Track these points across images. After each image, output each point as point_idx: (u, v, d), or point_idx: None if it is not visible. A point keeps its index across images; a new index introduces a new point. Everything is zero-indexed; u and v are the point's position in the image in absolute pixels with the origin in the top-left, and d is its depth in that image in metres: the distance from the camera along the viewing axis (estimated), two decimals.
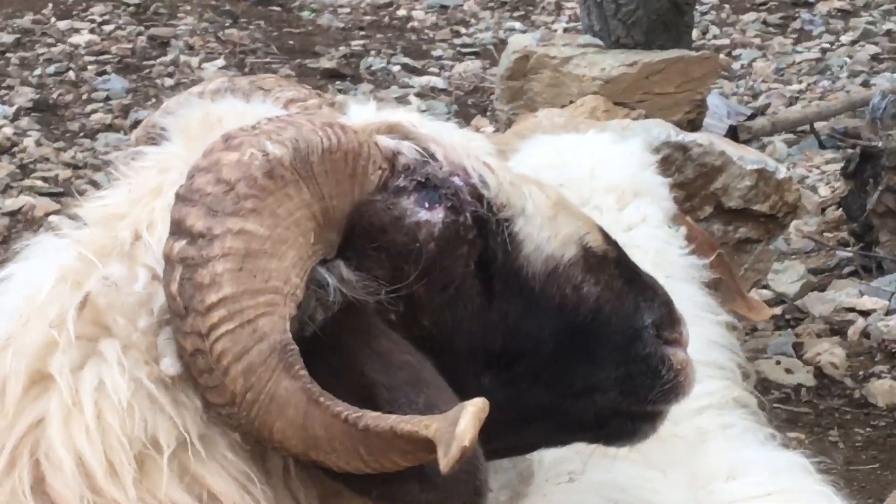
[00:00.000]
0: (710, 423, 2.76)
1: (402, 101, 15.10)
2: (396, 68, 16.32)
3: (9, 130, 15.14)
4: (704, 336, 2.89)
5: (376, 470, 2.11)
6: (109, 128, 15.41)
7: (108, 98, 16.35)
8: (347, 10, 18.49)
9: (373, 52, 16.70)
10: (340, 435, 2.05)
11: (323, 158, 2.15)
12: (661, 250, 2.91)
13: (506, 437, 2.36)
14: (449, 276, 2.29)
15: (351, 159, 2.19)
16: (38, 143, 14.72)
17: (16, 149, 14.72)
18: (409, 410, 2.12)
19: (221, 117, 2.31)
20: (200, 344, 2.03)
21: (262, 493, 2.15)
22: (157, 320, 2.15)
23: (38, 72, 17.07)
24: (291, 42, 17.43)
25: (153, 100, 15.75)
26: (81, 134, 15.32)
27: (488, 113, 12.40)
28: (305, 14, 18.31)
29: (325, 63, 16.42)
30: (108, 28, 18.21)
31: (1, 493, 2.08)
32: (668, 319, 2.45)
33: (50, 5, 18.92)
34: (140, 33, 17.98)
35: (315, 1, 18.66)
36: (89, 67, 16.93)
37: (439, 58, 16.81)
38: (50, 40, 17.77)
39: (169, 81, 16.26)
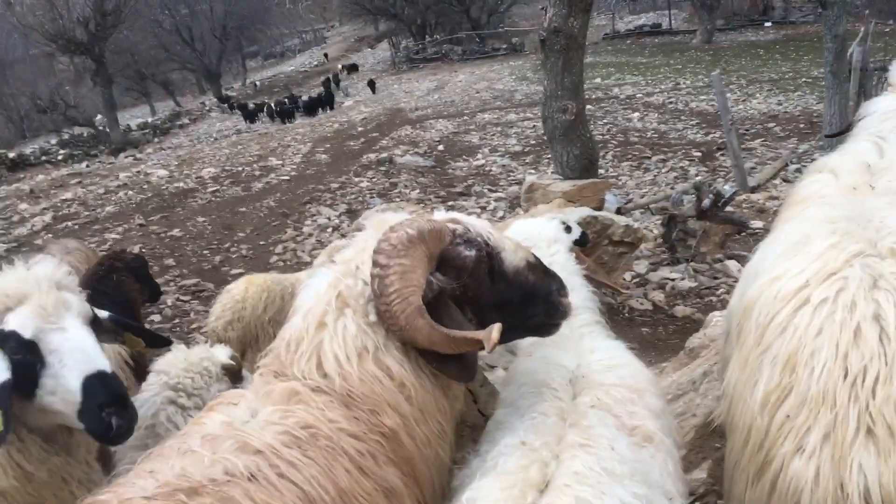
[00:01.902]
0: (584, 331, 2.73)
1: (486, 202, 15.06)
2: (486, 190, 16.20)
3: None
4: (582, 296, 2.86)
5: (455, 351, 2.11)
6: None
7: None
8: (465, 169, 18.32)
9: (476, 185, 16.60)
10: (442, 339, 2.05)
11: (429, 234, 2.15)
12: (565, 263, 2.90)
13: (507, 335, 2.37)
14: (478, 275, 2.26)
15: (438, 233, 2.19)
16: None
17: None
18: None
19: (387, 220, 2.31)
20: (387, 307, 2.04)
21: (407, 367, 2.13)
22: (366, 300, 2.15)
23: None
24: (445, 181, 17.33)
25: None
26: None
27: (520, 207, 12.28)
28: (449, 171, 18.19)
29: (458, 189, 16.40)
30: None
31: (303, 371, 2.11)
32: (562, 286, 2.41)
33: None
34: None
35: (451, 167, 18.61)
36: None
37: (502, 185, 16.70)
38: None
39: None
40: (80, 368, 2.31)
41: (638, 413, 2.27)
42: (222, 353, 3.07)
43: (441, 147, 21.37)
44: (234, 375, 3.03)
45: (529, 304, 2.36)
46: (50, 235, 15.00)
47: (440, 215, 2.35)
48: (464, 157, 19.79)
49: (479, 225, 2.34)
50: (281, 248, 13.10)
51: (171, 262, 12.71)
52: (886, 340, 2.14)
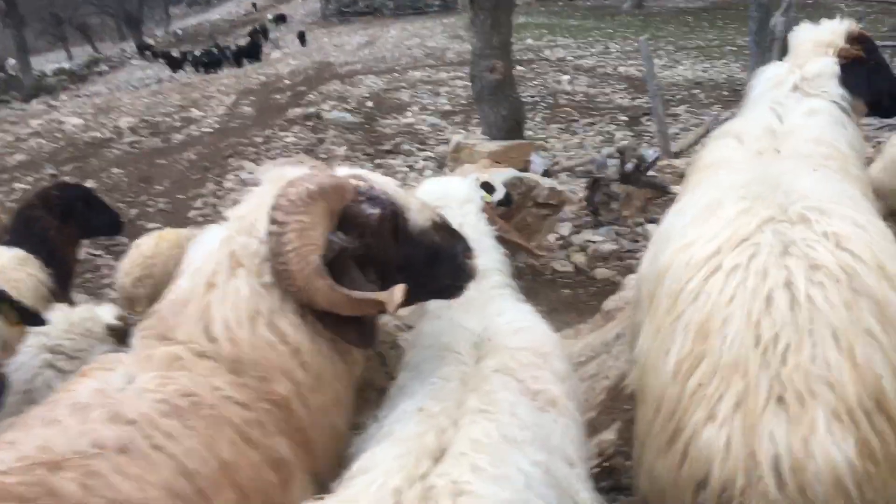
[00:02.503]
0: (493, 293, 2.64)
1: (414, 161, 14.88)
2: (414, 149, 16.02)
3: None
4: (492, 258, 2.77)
5: (356, 313, 2.00)
6: None
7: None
8: (394, 127, 18.02)
9: (405, 143, 16.39)
10: (342, 300, 1.94)
11: (331, 189, 2.02)
12: (476, 224, 2.81)
13: (410, 298, 2.28)
14: (382, 235, 2.13)
15: (340, 189, 2.06)
16: None
17: None
18: None
19: (286, 174, 2.14)
20: (284, 267, 1.91)
21: (303, 332, 1.99)
22: (262, 259, 2.00)
23: None
24: (373, 139, 17.09)
25: None
26: None
27: (447, 167, 12.13)
28: (377, 128, 17.93)
29: (386, 147, 16.19)
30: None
31: (188, 335, 1.96)
32: (467, 248, 2.31)
33: None
34: None
35: (380, 124, 18.33)
36: None
37: (431, 144, 16.52)
38: None
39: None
40: None
41: (542, 377, 2.21)
42: (107, 313, 2.87)
43: (370, 104, 20.99)
44: (120, 336, 2.84)
45: (434, 265, 2.25)
46: None
47: (343, 171, 2.22)
48: (393, 114, 19.48)
49: (383, 182, 2.21)
50: (201, 203, 12.68)
51: None
52: (797, 308, 2.14)
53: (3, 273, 4.02)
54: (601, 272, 9.19)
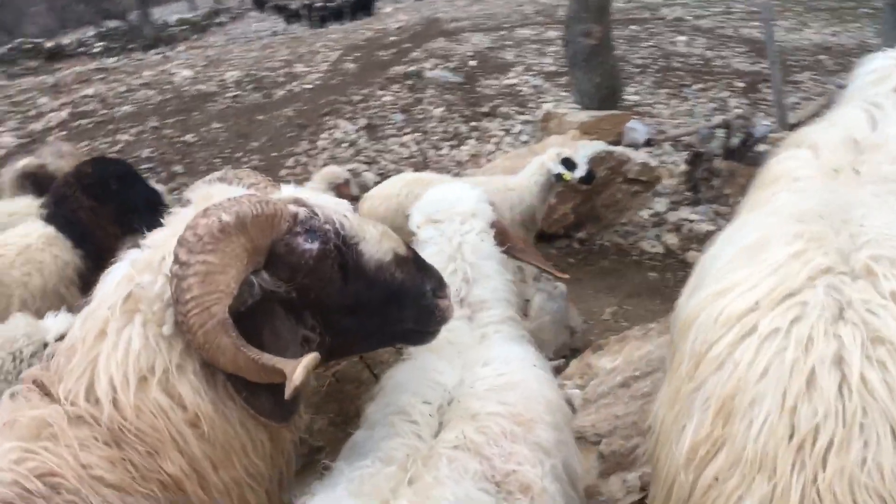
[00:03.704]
0: (488, 331, 2.23)
1: (511, 125, 14.37)
2: (513, 112, 15.45)
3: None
4: (493, 286, 2.35)
5: (265, 381, 1.64)
6: None
7: None
8: (495, 88, 17.43)
9: (503, 105, 15.81)
10: (249, 364, 1.60)
11: (254, 221, 1.66)
12: (477, 244, 2.39)
13: (364, 344, 1.92)
14: (322, 274, 1.78)
15: (268, 219, 1.69)
16: None
17: None
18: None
19: (213, 194, 1.82)
20: (184, 318, 1.58)
21: (206, 396, 1.66)
22: (164, 304, 1.66)
23: None
24: (471, 100, 16.63)
25: None
26: None
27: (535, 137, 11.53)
28: (477, 88, 17.43)
29: (484, 109, 15.73)
30: None
31: (69, 393, 1.63)
32: (439, 286, 1.95)
33: None
34: None
35: (481, 84, 17.72)
36: None
37: (531, 108, 15.81)
38: None
39: None
40: None
41: (517, 454, 1.79)
42: (56, 326, 2.53)
43: (473, 62, 20.35)
44: None
45: (395, 307, 1.88)
46: (64, 133, 14.70)
47: (285, 192, 1.83)
48: (496, 74, 18.81)
49: (331, 207, 1.82)
50: (293, 162, 12.63)
51: (179, 168, 12.37)
52: (847, 393, 1.65)
53: (28, 253, 3.88)
54: (693, 255, 8.51)
